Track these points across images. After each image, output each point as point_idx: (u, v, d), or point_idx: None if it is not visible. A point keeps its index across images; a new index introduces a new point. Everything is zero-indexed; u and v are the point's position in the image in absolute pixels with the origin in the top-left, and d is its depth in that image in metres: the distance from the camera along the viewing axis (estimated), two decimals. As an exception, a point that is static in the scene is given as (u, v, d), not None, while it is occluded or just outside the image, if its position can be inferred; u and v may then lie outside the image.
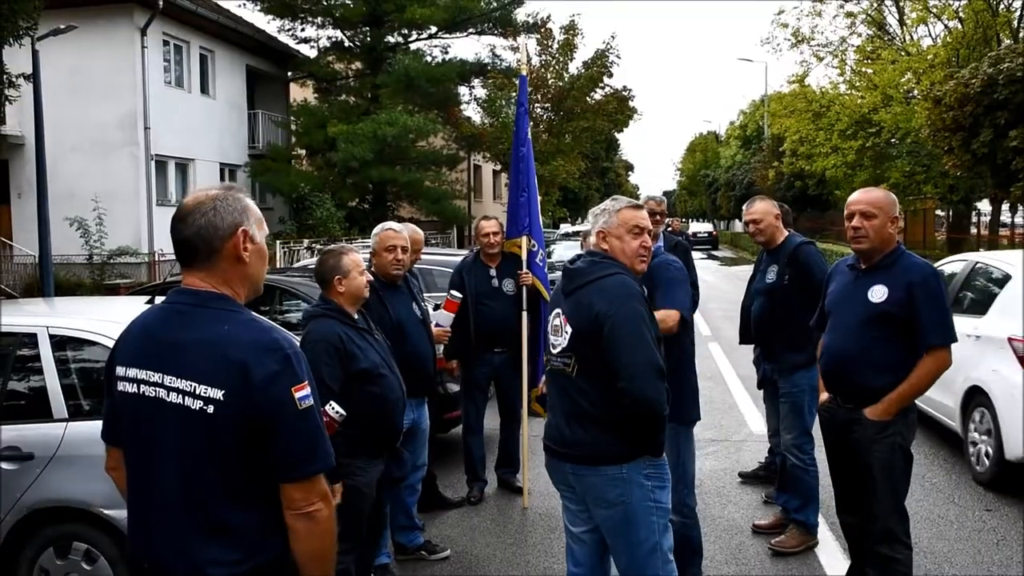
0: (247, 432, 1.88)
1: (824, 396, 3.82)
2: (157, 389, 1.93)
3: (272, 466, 1.91)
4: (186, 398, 1.89)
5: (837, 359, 3.65)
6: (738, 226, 57.81)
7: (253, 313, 2.02)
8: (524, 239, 5.77)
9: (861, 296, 3.56)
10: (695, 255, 7.82)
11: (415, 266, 5.34)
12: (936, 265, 5.83)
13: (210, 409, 1.87)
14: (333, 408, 2.99)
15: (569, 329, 2.97)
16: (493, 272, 5.68)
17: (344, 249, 3.84)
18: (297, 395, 1.89)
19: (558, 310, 3.07)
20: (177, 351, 1.92)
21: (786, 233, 4.94)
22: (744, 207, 5.12)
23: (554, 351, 3.06)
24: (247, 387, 1.85)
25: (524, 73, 6.19)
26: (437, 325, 4.98)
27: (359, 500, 3.63)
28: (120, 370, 2.02)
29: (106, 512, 3.60)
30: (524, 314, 5.58)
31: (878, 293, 3.52)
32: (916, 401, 3.64)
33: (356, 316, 3.74)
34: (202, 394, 1.87)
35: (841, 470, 3.76)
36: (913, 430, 3.64)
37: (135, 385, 1.97)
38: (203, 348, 1.90)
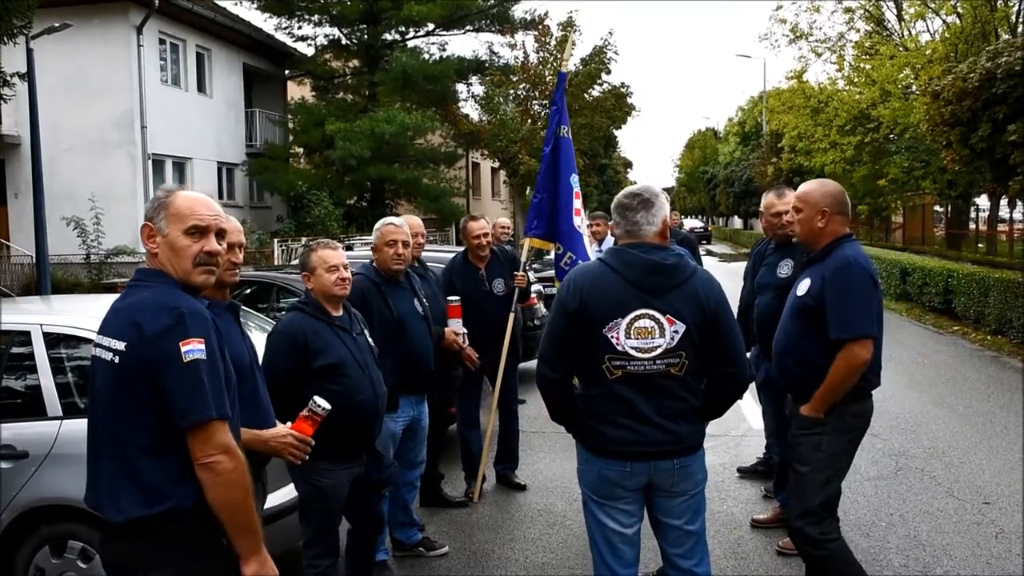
0: (147, 381, 2.13)
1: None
2: (97, 348, 2.25)
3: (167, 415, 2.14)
4: (105, 352, 2.20)
5: (775, 355, 3.73)
6: (738, 222, 57.74)
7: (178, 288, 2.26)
8: (526, 240, 5.80)
9: (794, 290, 3.63)
10: (695, 250, 7.86)
11: (430, 264, 5.35)
12: None
13: (116, 360, 2.16)
14: (316, 403, 2.97)
15: (680, 327, 2.86)
16: (482, 274, 5.60)
17: (316, 245, 3.72)
18: (183, 348, 2.11)
19: (643, 311, 2.86)
20: (112, 315, 2.26)
21: None
22: (773, 197, 4.87)
23: (644, 355, 2.86)
24: (141, 339, 2.13)
25: (564, 71, 6.10)
26: (456, 333, 5.01)
27: (322, 502, 3.58)
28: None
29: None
30: (511, 314, 5.60)
31: (803, 286, 3.53)
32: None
33: (339, 313, 3.68)
34: (112, 346, 2.18)
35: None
36: (847, 434, 3.49)
37: (94, 347, 2.29)
38: (122, 311, 2.22)
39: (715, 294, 2.94)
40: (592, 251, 8.85)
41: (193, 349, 2.11)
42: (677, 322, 2.86)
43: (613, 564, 3.06)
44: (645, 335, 2.85)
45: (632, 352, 2.86)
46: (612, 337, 2.86)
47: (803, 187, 3.69)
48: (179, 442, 2.14)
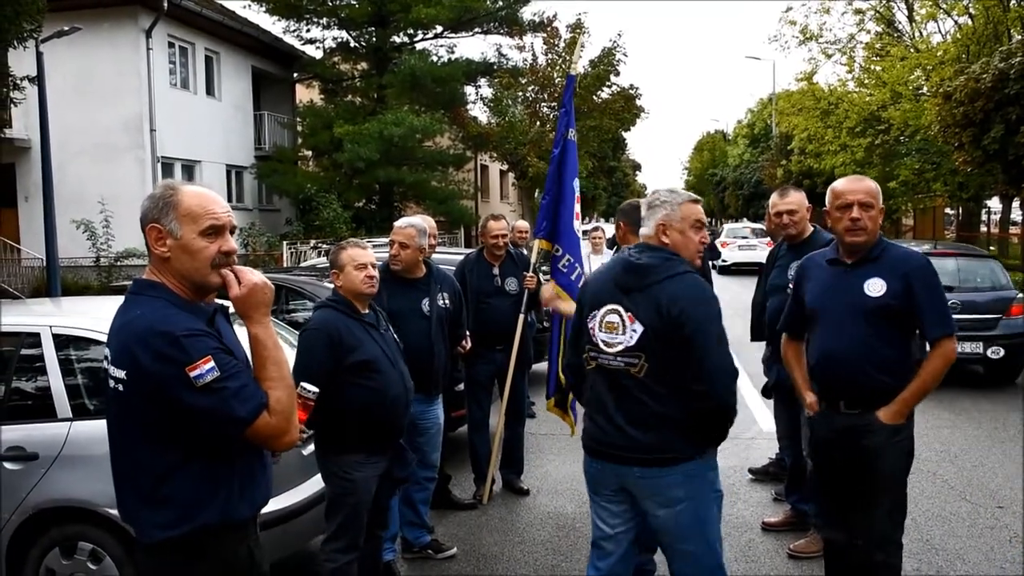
0: (157, 405, 2.02)
1: (810, 399, 3.55)
2: (107, 364, 2.12)
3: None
4: (110, 378, 2.08)
5: (835, 361, 3.38)
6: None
7: (176, 302, 2.11)
8: (536, 242, 5.82)
9: (856, 292, 3.33)
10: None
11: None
12: None
13: (120, 388, 2.05)
14: (304, 389, 3.02)
15: (639, 327, 2.86)
16: (496, 271, 5.67)
17: (346, 244, 3.81)
18: (192, 374, 1.98)
19: (613, 306, 2.93)
20: (113, 334, 2.12)
21: (811, 228, 4.75)
22: (775, 197, 4.85)
23: (609, 349, 2.93)
24: (139, 368, 2.00)
25: (573, 73, 6.19)
26: None
27: (353, 496, 3.60)
28: None
29: (111, 512, 3.56)
30: (521, 316, 5.59)
31: (876, 287, 3.30)
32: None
33: (366, 310, 3.74)
34: (114, 374, 2.06)
35: (837, 482, 3.51)
36: (912, 432, 3.49)
37: (104, 360, 2.16)
38: (119, 332, 2.08)
39: (687, 303, 2.83)
40: (597, 259, 8.91)
41: (203, 372, 1.98)
42: (636, 322, 2.89)
43: (594, 559, 3.12)
44: (611, 330, 2.95)
45: (601, 344, 2.97)
46: (591, 328, 3.01)
47: (864, 183, 3.42)
48: (195, 460, 2.08)
